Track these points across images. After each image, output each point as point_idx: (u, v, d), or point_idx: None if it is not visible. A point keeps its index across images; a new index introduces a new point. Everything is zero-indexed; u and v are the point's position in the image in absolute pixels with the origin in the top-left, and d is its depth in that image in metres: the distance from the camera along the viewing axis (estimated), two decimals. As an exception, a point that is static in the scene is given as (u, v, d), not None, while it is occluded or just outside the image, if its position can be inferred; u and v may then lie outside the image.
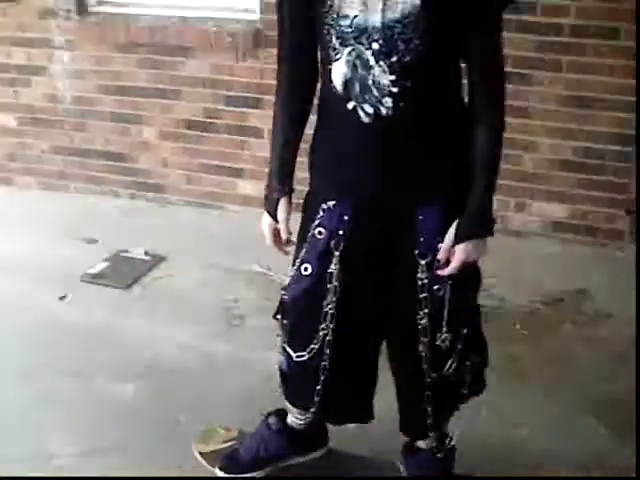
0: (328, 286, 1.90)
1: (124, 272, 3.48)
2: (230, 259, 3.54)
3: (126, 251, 3.64)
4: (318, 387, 2.00)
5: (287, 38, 1.87)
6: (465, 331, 1.91)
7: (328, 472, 2.35)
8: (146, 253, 3.62)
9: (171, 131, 4.06)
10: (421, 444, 2.19)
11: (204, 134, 4.00)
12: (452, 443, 2.15)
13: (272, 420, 2.29)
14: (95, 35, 4.02)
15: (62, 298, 3.28)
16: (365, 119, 1.75)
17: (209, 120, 3.96)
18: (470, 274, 1.87)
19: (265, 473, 2.30)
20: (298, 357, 2.02)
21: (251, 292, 3.34)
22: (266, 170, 2.00)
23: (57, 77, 4.15)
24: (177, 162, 4.11)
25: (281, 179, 1.96)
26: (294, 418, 2.26)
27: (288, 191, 1.95)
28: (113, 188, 4.26)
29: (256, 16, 3.75)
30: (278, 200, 1.95)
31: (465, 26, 1.66)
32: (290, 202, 1.96)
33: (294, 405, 2.19)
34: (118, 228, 3.90)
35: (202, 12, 3.88)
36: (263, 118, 3.78)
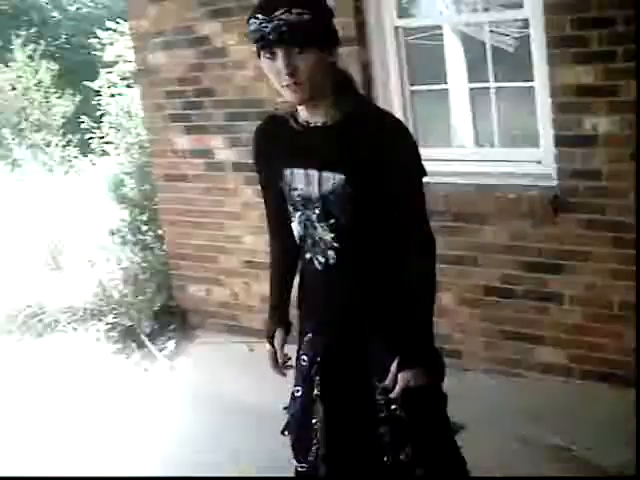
0: (313, 407, 2.34)
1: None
2: (531, 430, 3.52)
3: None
4: None
5: (272, 214, 2.47)
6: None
7: None
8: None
9: (469, 297, 4.21)
10: None
11: (502, 300, 4.10)
12: None
13: None
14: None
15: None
16: (318, 267, 2.29)
17: (507, 286, 4.06)
18: (425, 396, 2.21)
19: None
20: (301, 468, 2.41)
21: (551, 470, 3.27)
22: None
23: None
24: (475, 328, 4.23)
25: (276, 314, 2.51)
26: None
27: (284, 323, 2.49)
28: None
29: (553, 182, 3.86)
30: (275, 330, 2.48)
31: (388, 201, 2.18)
32: (287, 332, 2.48)
33: None
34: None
35: (498, 179, 4.07)
36: (564, 283, 3.84)
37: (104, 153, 6.47)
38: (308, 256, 2.32)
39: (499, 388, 4.05)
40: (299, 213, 2.29)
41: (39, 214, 7.12)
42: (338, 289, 2.30)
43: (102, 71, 6.79)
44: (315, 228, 2.26)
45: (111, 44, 6.71)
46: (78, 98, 15.03)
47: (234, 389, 4.33)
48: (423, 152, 2.27)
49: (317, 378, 2.34)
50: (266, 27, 2.01)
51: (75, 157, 7.67)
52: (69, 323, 5.77)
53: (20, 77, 16.71)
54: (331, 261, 2.27)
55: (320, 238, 2.27)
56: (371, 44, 4.30)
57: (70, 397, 4.69)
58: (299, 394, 2.41)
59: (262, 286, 4.88)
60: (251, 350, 4.89)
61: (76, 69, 16.12)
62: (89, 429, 4.23)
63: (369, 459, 2.33)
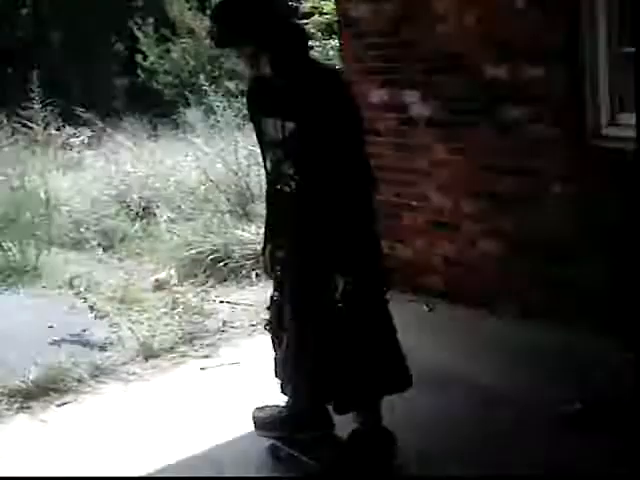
0: (285, 308, 3.30)
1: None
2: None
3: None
4: None
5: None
6: None
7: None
8: None
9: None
10: None
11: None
12: None
13: None
14: None
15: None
16: (284, 195, 3.16)
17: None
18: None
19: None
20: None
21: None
22: None
23: None
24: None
25: (266, 232, 3.48)
26: None
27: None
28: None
29: None
30: (265, 244, 3.47)
31: (331, 142, 2.99)
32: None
33: None
34: None
35: None
36: None
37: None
38: (278, 187, 3.20)
39: None
40: (270, 152, 3.22)
41: (231, 160, 7.52)
42: (298, 211, 3.14)
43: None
44: (281, 164, 3.13)
45: (307, -5, 6.94)
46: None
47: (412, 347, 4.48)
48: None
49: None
50: None
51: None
52: (253, 269, 6.13)
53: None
54: (293, 190, 3.10)
55: (285, 172, 3.12)
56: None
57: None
58: (275, 298, 3.36)
59: (445, 247, 5.01)
60: (430, 310, 5.03)
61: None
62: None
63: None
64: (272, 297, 3.40)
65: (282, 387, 3.42)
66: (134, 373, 4.77)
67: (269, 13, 3.07)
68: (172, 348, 5.05)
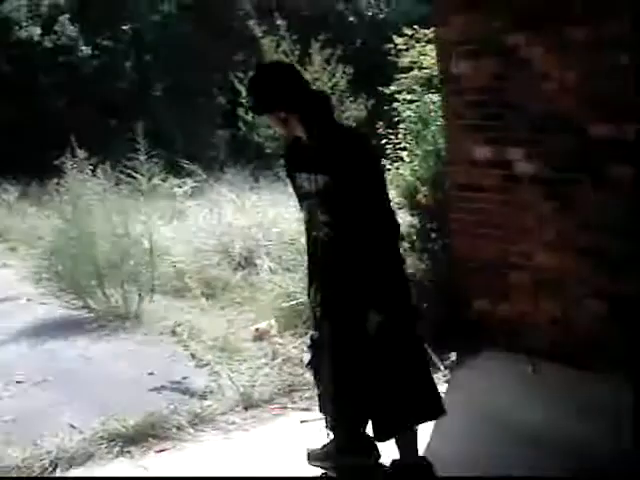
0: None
1: None
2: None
3: None
4: None
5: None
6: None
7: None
8: None
9: None
10: None
11: None
12: None
13: None
14: None
15: None
16: (319, 241, 3.52)
17: None
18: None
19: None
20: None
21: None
22: None
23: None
24: None
25: None
26: None
27: None
28: None
29: None
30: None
31: (357, 194, 3.36)
32: None
33: None
34: None
35: None
36: None
37: (398, 159, 6.78)
38: (314, 233, 3.57)
39: None
40: (305, 203, 3.63)
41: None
42: (331, 256, 3.49)
43: (396, 77, 7.10)
44: (315, 213, 3.52)
45: (407, 50, 7.00)
46: (371, 102, 15.72)
47: (511, 408, 4.42)
48: None
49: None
50: None
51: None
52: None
53: (317, 80, 17.83)
54: (326, 236, 3.48)
55: (318, 220, 3.51)
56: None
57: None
58: (315, 337, 3.70)
59: (551, 305, 4.94)
60: (534, 370, 4.94)
61: (370, 74, 16.86)
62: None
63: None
64: (312, 336, 3.79)
65: (326, 421, 3.77)
66: (233, 423, 4.84)
67: (296, 83, 3.54)
68: (272, 399, 5.10)
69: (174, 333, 6.10)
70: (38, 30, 21.93)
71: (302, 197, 3.65)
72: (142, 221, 8.11)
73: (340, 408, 3.59)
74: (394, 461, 3.71)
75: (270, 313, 6.64)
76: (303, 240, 7.55)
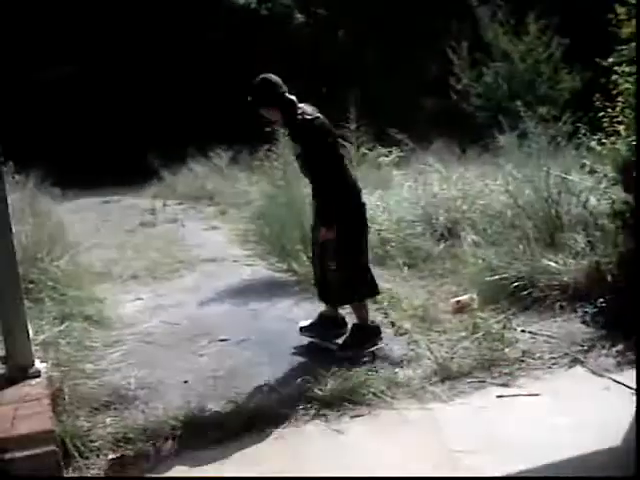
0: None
1: None
2: None
3: None
4: None
5: None
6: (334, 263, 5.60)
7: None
8: None
9: None
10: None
11: None
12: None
13: None
14: None
15: None
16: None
17: None
18: (335, 240, 5.48)
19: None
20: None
21: None
22: None
23: None
24: None
25: None
26: None
27: None
28: None
29: None
30: None
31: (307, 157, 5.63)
32: None
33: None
34: None
35: None
36: None
37: (614, 133, 6.50)
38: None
39: None
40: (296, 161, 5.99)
41: (541, 187, 7.43)
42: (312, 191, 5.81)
43: (615, 48, 6.77)
44: (300, 167, 5.85)
45: (628, 20, 6.65)
46: (587, 74, 15.17)
47: None
48: None
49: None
50: None
51: (584, 134, 7.82)
52: (558, 301, 6.02)
53: (531, 50, 17.40)
54: (305, 177, 5.89)
55: (301, 168, 5.87)
56: None
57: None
58: (313, 248, 5.96)
59: None
60: None
61: (587, 45, 16.23)
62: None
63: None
64: (313, 243, 5.95)
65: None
66: (430, 393, 4.87)
67: (276, 91, 5.53)
68: (470, 372, 5.09)
69: (374, 300, 6.17)
70: (255, -3, 22.72)
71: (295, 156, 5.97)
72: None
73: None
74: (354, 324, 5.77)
75: (472, 286, 6.61)
76: (510, 213, 7.56)
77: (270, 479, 4.04)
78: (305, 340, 5.95)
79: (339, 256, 5.53)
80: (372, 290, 5.81)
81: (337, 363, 5.27)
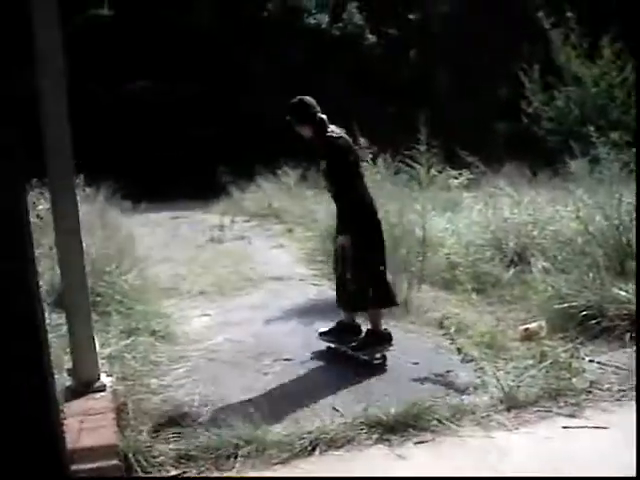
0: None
1: None
2: None
3: None
4: None
5: None
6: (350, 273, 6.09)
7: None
8: None
9: None
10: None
11: None
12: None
13: None
14: None
15: None
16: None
17: None
18: (351, 250, 6.00)
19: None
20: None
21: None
22: None
23: None
24: None
25: None
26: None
27: None
28: None
29: None
30: None
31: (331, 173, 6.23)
32: None
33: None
34: None
35: None
36: None
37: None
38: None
39: None
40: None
41: (612, 214, 7.30)
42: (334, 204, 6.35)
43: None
44: (324, 180, 6.44)
45: None
46: (663, 99, 14.84)
47: None
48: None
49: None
50: None
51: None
52: (627, 331, 5.89)
53: (604, 74, 17.13)
54: (329, 192, 6.38)
55: (325, 183, 6.48)
56: None
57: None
58: (335, 252, 6.38)
59: None
60: None
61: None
62: None
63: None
64: (335, 251, 6.36)
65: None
66: (496, 421, 4.79)
67: (310, 111, 6.13)
68: (536, 402, 5.00)
69: (441, 325, 6.12)
70: (326, 18, 22.89)
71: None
72: (416, 211, 8.23)
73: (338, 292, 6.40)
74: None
75: (540, 313, 6.51)
76: (580, 241, 7.45)
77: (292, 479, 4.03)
78: (369, 363, 5.95)
79: (354, 266, 6.01)
80: (387, 301, 6.26)
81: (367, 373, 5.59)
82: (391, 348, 6.11)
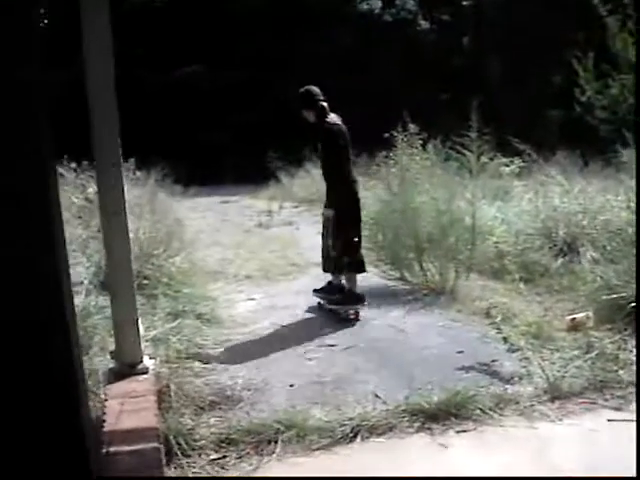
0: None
1: None
2: None
3: None
4: None
5: None
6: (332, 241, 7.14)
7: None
8: None
9: None
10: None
11: None
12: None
13: None
14: None
15: None
16: None
17: None
18: (335, 222, 7.02)
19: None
20: None
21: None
22: None
23: None
24: None
25: None
26: None
27: None
28: None
29: None
30: None
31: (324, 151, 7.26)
32: None
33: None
34: None
35: None
36: None
37: None
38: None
39: None
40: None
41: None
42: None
43: None
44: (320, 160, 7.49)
45: None
46: None
47: None
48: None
49: None
50: None
51: None
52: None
53: (662, 62, 16.75)
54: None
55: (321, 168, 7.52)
56: None
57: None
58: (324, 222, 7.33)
59: None
60: None
61: None
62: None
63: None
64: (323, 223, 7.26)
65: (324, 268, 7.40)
66: (539, 411, 4.73)
67: (316, 97, 7.02)
68: (581, 393, 4.93)
69: (488, 314, 6.07)
70: (379, 3, 22.74)
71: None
72: (466, 199, 8.15)
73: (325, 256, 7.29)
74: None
75: (588, 304, 6.41)
76: (631, 231, 7.31)
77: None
78: (411, 348, 5.92)
79: (335, 236, 6.98)
80: (358, 268, 7.19)
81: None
82: (365, 304, 7.09)
